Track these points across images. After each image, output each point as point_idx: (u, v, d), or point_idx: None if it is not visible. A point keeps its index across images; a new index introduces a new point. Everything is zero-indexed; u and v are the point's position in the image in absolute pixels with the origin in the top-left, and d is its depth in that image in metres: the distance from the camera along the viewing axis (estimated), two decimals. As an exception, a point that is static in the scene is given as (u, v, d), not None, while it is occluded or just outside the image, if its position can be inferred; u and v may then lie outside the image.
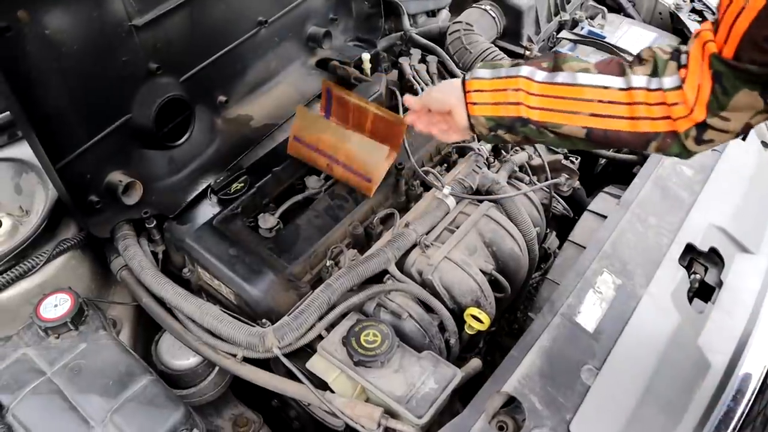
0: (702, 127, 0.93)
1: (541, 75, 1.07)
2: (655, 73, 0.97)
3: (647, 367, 1.27)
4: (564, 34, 2.25)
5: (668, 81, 0.95)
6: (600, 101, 1.02)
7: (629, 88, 0.99)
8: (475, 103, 1.14)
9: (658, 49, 0.99)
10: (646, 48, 1.02)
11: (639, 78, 0.99)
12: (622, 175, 1.97)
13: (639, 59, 1.01)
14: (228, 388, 1.47)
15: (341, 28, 2.02)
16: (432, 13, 2.34)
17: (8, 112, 1.53)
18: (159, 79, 1.46)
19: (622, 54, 2.03)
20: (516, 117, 1.10)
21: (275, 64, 1.82)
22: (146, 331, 1.53)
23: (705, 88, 0.89)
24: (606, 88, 1.02)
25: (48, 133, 1.23)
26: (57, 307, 1.25)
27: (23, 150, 1.50)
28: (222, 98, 1.66)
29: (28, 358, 1.21)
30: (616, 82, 1.01)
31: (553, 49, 2.21)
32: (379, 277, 1.40)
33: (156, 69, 1.41)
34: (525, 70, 1.09)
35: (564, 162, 1.81)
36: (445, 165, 1.75)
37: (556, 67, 1.07)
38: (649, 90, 0.97)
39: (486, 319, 1.33)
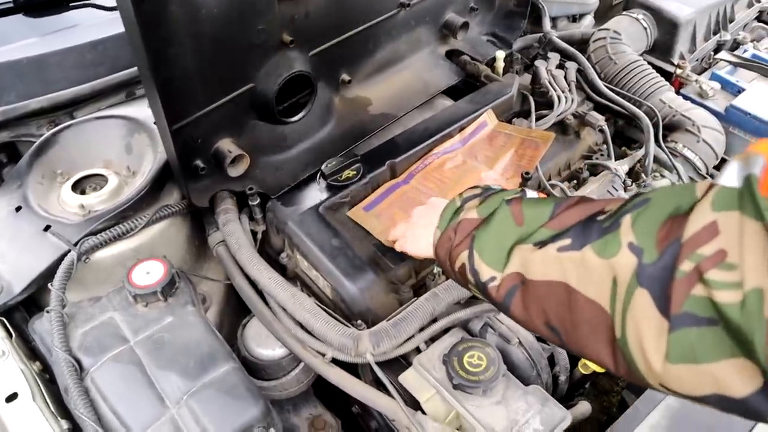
0: None
1: None
2: None
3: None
4: (723, 54, 2.01)
5: None
6: None
7: None
8: None
9: None
10: None
11: None
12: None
13: None
14: (309, 386, 1.37)
15: (478, 19, 1.88)
16: (573, 18, 2.17)
17: (128, 70, 1.52)
18: (289, 52, 1.37)
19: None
20: None
21: (405, 47, 1.71)
22: (234, 313, 1.45)
23: None
24: None
25: (171, 94, 1.16)
26: (149, 274, 1.19)
27: (138, 109, 1.48)
28: (345, 77, 1.56)
29: (114, 323, 1.16)
30: None
31: (710, 72, 1.98)
32: (489, 294, 1.26)
33: (290, 42, 1.33)
34: None
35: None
36: (575, 182, 1.59)
37: None
38: None
39: (607, 360, 1.16)
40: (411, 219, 1.15)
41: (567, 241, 0.68)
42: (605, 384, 1.39)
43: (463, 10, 1.81)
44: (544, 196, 0.88)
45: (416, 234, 1.10)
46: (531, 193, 0.88)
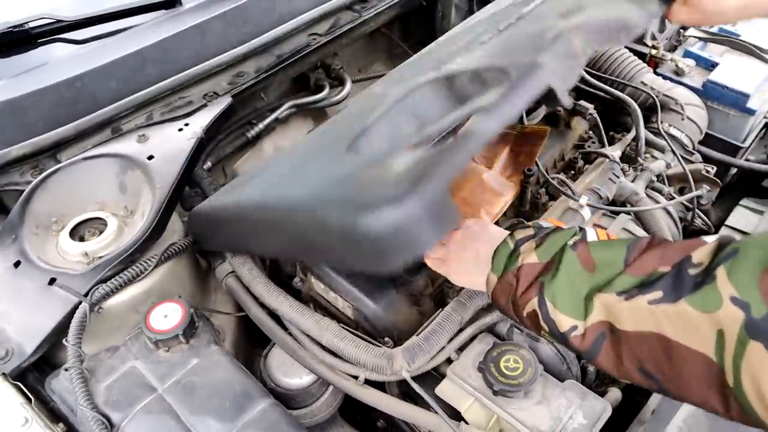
0: None
1: None
2: None
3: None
4: (692, 31, 2.05)
5: None
6: None
7: None
8: None
9: None
10: None
11: None
12: (752, 187, 1.80)
13: None
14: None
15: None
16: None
17: (111, 106, 1.46)
18: None
19: (763, 54, 1.84)
20: None
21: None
22: (248, 343, 1.42)
23: None
24: None
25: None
26: (167, 317, 1.15)
27: (126, 145, 1.42)
28: None
29: (137, 372, 1.11)
30: None
31: (680, 48, 2.02)
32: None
33: None
34: None
35: (704, 173, 1.63)
36: (572, 172, 1.60)
37: None
38: None
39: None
40: (449, 246, 1.07)
41: (658, 294, 0.68)
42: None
43: None
44: (604, 234, 0.88)
45: (461, 266, 1.05)
46: (590, 232, 0.87)
